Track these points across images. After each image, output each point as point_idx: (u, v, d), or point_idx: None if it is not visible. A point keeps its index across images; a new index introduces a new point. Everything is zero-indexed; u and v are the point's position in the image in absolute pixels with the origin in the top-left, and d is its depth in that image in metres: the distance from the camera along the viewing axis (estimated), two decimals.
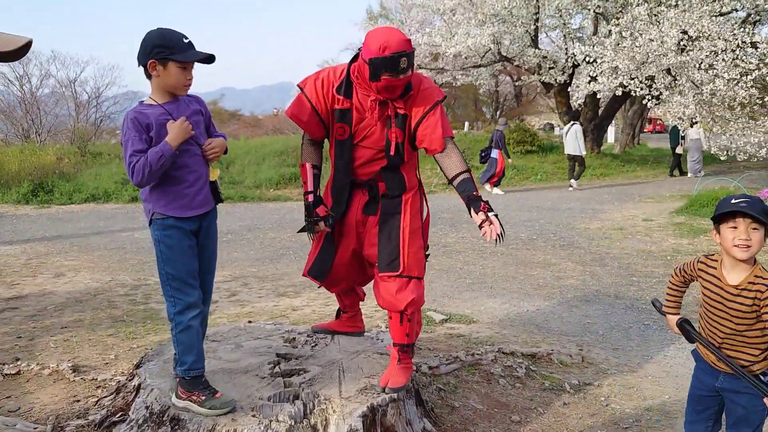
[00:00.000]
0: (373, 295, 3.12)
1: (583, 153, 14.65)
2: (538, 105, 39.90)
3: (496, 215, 2.80)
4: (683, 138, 17.25)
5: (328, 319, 4.05)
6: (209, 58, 2.57)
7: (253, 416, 2.53)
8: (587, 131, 19.43)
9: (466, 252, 7.74)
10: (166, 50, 2.47)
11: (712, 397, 2.48)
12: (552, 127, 36.41)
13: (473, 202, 2.82)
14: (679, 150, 17.38)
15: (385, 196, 3.03)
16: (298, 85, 3.07)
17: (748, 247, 2.22)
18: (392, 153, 2.96)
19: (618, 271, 6.78)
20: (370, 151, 2.98)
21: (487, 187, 14.06)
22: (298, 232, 3.19)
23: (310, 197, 2.99)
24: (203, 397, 2.57)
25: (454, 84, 23.06)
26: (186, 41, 2.52)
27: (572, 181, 14.61)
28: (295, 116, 3.03)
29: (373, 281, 3.11)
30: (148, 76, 2.53)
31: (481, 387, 3.73)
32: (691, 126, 15.61)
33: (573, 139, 14.40)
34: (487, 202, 2.83)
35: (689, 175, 17.03)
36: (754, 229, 2.22)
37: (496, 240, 2.73)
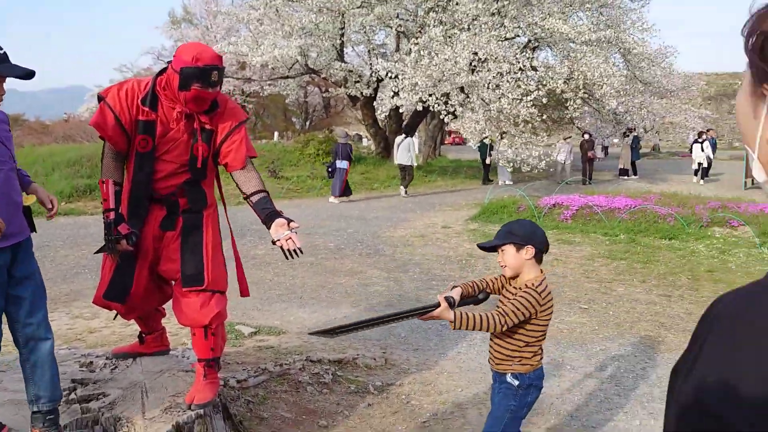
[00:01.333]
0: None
1: (414, 164, 15.64)
2: (346, 116, 40.97)
3: (295, 231, 2.89)
4: (491, 150, 18.67)
5: (130, 339, 3.88)
6: (29, 74, 2.40)
7: None
8: (392, 144, 20.39)
9: (276, 264, 7.77)
10: None
11: None
12: (361, 138, 37.58)
13: (274, 217, 2.89)
14: (488, 160, 18.82)
15: (186, 211, 3.00)
16: (99, 95, 2.95)
17: (504, 266, 2.65)
18: (198, 166, 2.96)
19: (419, 276, 7.22)
20: (173, 165, 2.95)
21: (333, 199, 14.35)
22: (96, 252, 3.03)
23: (112, 215, 2.86)
24: None
25: (261, 93, 23.00)
26: (0, 52, 2.33)
27: (402, 189, 15.40)
28: (99, 126, 2.92)
29: (172, 299, 3.05)
30: None
31: (290, 396, 3.80)
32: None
33: (405, 151, 15.24)
34: (288, 218, 2.92)
35: (500, 182, 18.58)
36: (502, 250, 2.64)
37: (294, 253, 2.82)
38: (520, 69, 14.73)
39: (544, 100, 15.20)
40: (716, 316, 0.68)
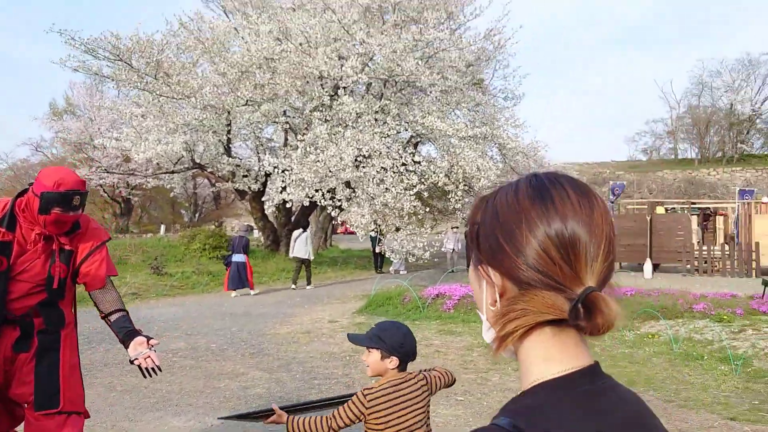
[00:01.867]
0: None
1: (311, 257, 16.05)
2: (237, 208, 40.69)
3: (154, 349, 2.91)
4: (380, 241, 19.08)
5: None
6: None
7: None
8: (281, 236, 20.41)
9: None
10: None
11: None
12: (252, 229, 37.26)
13: (133, 335, 2.90)
14: (378, 249, 19.16)
15: (42, 332, 2.93)
16: None
17: (368, 366, 2.77)
18: (55, 286, 2.94)
19: (302, 376, 7.15)
20: (28, 285, 2.92)
21: (234, 293, 14.32)
22: None
23: None
24: None
25: (146, 186, 22.57)
26: None
27: (294, 285, 15.70)
28: None
29: (24, 424, 2.92)
30: None
31: None
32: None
33: (302, 245, 15.61)
34: (147, 336, 2.93)
35: (391, 270, 18.87)
36: (369, 350, 2.75)
37: (152, 371, 2.82)
38: (403, 164, 15.42)
39: (426, 194, 15.91)
40: None
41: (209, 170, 18.83)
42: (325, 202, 15.52)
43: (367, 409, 2.68)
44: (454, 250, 20.26)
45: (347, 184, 15.43)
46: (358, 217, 15.00)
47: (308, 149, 14.92)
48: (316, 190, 15.13)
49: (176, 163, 18.58)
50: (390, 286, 13.92)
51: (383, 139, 15.42)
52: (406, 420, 2.75)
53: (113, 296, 3.05)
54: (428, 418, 2.85)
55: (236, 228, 15.68)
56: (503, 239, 0.87)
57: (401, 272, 18.77)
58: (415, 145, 19.24)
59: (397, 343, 2.78)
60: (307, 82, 15.68)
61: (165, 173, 19.52)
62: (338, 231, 40.99)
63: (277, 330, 9.95)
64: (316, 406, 2.95)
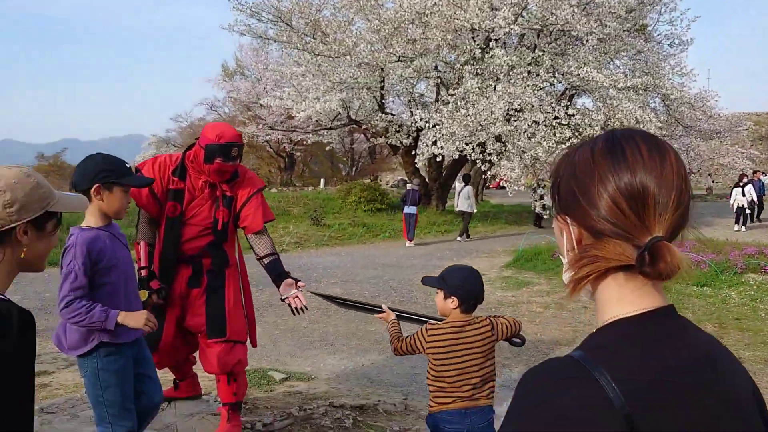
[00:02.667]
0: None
1: (474, 210, 16.51)
2: (391, 162, 41.59)
3: (301, 290, 3.28)
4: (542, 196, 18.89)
5: (167, 385, 4.25)
6: (150, 183, 2.88)
7: None
8: (432, 190, 20.75)
9: (312, 311, 8.10)
10: (112, 174, 2.54)
11: None
12: (405, 183, 38.01)
13: (284, 277, 3.28)
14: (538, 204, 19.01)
15: (210, 271, 3.38)
16: (136, 167, 3.40)
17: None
18: (219, 229, 3.36)
19: None
20: (197, 228, 3.35)
21: (409, 244, 15.29)
22: None
23: (144, 272, 3.27)
24: None
25: (306, 142, 23.78)
26: (127, 166, 2.67)
27: (459, 237, 16.30)
28: (134, 195, 3.34)
29: (198, 350, 3.42)
30: (87, 200, 2.49)
31: None
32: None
33: (465, 198, 16.08)
34: (295, 278, 3.31)
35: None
36: (437, 291, 2.94)
37: (299, 310, 3.20)
38: (556, 117, 15.00)
39: None
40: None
41: (364, 126, 19.48)
42: (475, 156, 15.55)
43: (426, 343, 2.86)
44: None
45: (498, 138, 15.32)
46: (508, 171, 14.91)
47: (459, 103, 14.96)
48: (467, 144, 15.18)
49: (333, 119, 19.41)
50: (540, 241, 13.79)
51: (536, 92, 15.06)
52: (463, 362, 2.86)
53: (267, 241, 3.45)
54: (491, 362, 2.94)
55: (413, 182, 16.41)
56: (579, 192, 0.97)
57: None
58: (570, 98, 18.55)
59: (456, 284, 2.90)
60: (459, 35, 15.61)
61: (323, 129, 20.47)
62: (490, 186, 40.67)
63: None
64: (414, 319, 3.21)
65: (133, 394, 2.62)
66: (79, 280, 2.39)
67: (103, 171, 2.53)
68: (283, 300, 3.27)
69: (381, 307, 3.22)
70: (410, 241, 15.40)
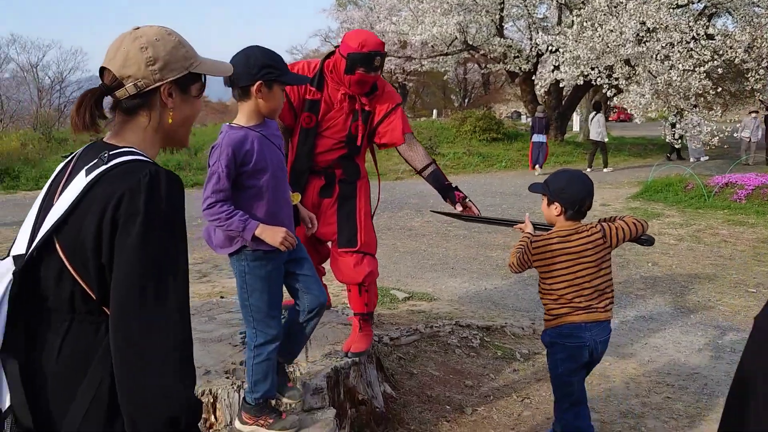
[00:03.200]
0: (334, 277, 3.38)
1: (605, 139, 15.95)
2: (505, 93, 40.35)
3: (470, 200, 3.16)
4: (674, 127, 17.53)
5: None
6: (309, 81, 2.80)
7: (227, 378, 2.78)
8: (551, 119, 19.88)
9: (430, 235, 8.03)
10: (275, 71, 2.33)
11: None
12: (519, 115, 36.91)
13: (448, 191, 3.17)
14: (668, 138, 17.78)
15: (342, 181, 3.28)
16: None
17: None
18: (359, 144, 3.24)
19: None
20: (331, 141, 3.24)
21: (538, 170, 15.17)
22: None
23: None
24: (271, 420, 2.55)
25: (420, 69, 23.32)
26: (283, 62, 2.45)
27: (589, 167, 15.72)
28: None
29: (330, 259, 3.37)
30: (243, 96, 2.35)
31: (438, 356, 4.02)
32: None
33: (596, 127, 15.66)
34: (458, 189, 3.18)
35: (691, 159, 17.47)
36: (542, 198, 2.79)
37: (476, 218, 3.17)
38: (693, 38, 13.71)
39: (720, 71, 14.07)
40: None
41: (481, 52, 18.77)
42: (602, 81, 14.60)
43: (532, 255, 2.68)
44: (750, 139, 17.55)
45: (627, 61, 14.26)
46: (637, 97, 13.90)
47: (585, 24, 13.98)
48: (592, 68, 14.26)
49: (449, 45, 18.82)
50: (669, 173, 12.93)
51: (671, 10, 13.78)
52: (574, 273, 2.65)
53: (419, 152, 3.30)
54: (606, 273, 2.70)
55: (537, 110, 15.92)
56: None
57: (701, 159, 17.12)
58: (709, 17, 16.90)
59: (558, 188, 2.68)
60: None
61: (439, 55, 19.92)
62: (609, 118, 38.62)
63: None
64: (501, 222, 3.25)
65: (280, 301, 2.50)
66: (221, 183, 2.27)
67: (266, 67, 2.31)
68: (458, 211, 3.20)
69: (514, 222, 3.03)
70: (540, 167, 15.19)
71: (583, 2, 15.42)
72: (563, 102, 20.04)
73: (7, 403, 1.31)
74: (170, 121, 1.46)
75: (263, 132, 2.38)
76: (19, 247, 1.37)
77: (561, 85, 16.69)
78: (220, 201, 2.29)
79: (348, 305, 3.57)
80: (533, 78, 18.01)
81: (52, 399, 1.34)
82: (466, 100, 41.21)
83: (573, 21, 14.49)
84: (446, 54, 19.49)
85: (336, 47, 3.17)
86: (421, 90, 40.33)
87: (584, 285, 2.65)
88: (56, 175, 1.44)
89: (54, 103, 30.64)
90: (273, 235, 2.34)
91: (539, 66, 18.25)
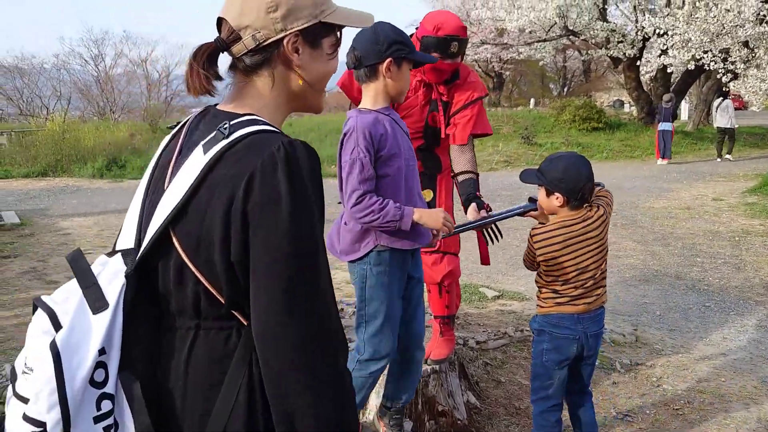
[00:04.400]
0: None
1: (735, 126, 15.14)
2: (607, 81, 38.61)
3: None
4: None
5: None
6: (434, 61, 2.46)
7: None
8: (657, 108, 18.74)
9: (524, 229, 7.61)
10: (405, 48, 2.12)
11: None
12: (622, 104, 35.20)
13: (475, 201, 2.80)
14: None
15: (422, 173, 3.00)
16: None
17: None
18: (444, 136, 2.97)
19: (681, 251, 6.57)
20: (408, 130, 2.98)
21: (662, 161, 14.55)
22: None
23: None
24: None
25: (517, 57, 22.61)
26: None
27: (724, 157, 15.00)
28: (344, 87, 3.05)
29: None
30: (370, 76, 2.14)
31: (529, 363, 3.71)
32: None
33: (724, 113, 14.89)
34: (487, 204, 2.81)
35: None
36: (539, 188, 2.48)
37: (492, 238, 2.74)
38: None
39: None
40: None
41: (582, 38, 17.92)
42: (716, 66, 13.56)
43: (537, 254, 2.40)
44: None
45: (745, 43, 13.16)
46: (756, 82, 12.81)
47: (698, 4, 13.00)
48: (705, 52, 13.26)
49: (548, 30, 18.08)
50: None
51: None
52: (581, 261, 2.39)
53: (468, 157, 2.93)
54: (606, 255, 2.48)
55: (664, 99, 15.15)
56: None
57: None
58: None
59: (556, 178, 2.36)
60: None
61: (537, 41, 19.20)
62: None
63: (651, 204, 9.31)
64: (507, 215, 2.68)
65: (398, 317, 2.24)
66: (366, 170, 2.03)
67: (395, 43, 2.08)
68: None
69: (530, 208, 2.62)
70: (666, 159, 14.51)
71: None
72: (671, 89, 18.84)
73: (131, 431, 1.09)
74: (300, 82, 1.20)
75: (391, 116, 2.17)
76: (126, 241, 1.16)
77: (669, 70, 15.66)
78: (369, 192, 2.06)
79: (428, 307, 3.34)
80: (638, 64, 17.02)
81: (183, 422, 1.12)
82: (566, 89, 39.80)
83: (684, 1, 13.52)
84: (545, 40, 18.76)
85: (416, 29, 2.92)
86: (518, 79, 39.29)
87: (588, 273, 2.42)
88: (163, 152, 1.21)
89: (162, 95, 32.09)
90: (434, 217, 2.13)
91: (645, 51, 17.22)
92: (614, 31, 17.03)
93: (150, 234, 1.09)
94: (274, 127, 1.14)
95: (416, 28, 2.92)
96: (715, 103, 15.48)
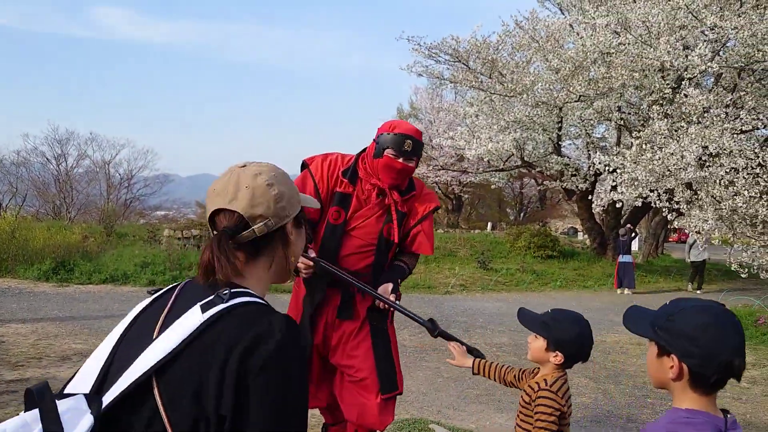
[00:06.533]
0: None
1: (707, 258, 16.95)
2: (562, 209, 40.08)
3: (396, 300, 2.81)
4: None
5: (314, 430, 3.93)
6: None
7: None
8: (609, 239, 19.36)
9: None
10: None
11: None
12: (576, 232, 36.33)
13: (394, 284, 2.82)
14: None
15: (372, 308, 2.91)
16: (304, 161, 3.03)
17: (529, 350, 2.52)
18: (384, 248, 2.92)
19: (632, 391, 6.56)
20: (359, 242, 2.90)
21: (627, 291, 15.54)
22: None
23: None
24: None
25: (475, 181, 23.40)
26: None
27: (694, 291, 16.42)
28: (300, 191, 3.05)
29: (342, 387, 2.95)
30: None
31: None
32: None
33: (698, 248, 16.52)
34: (399, 294, 2.82)
35: None
36: (536, 336, 2.47)
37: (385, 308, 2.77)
38: (760, 164, 13.31)
39: None
40: None
41: (538, 169, 18.72)
42: (661, 204, 14.20)
43: (562, 405, 2.34)
44: None
45: (688, 185, 13.89)
46: (699, 222, 13.40)
47: (644, 146, 13.78)
48: (651, 191, 13.91)
49: (506, 161, 18.87)
50: (735, 303, 12.18)
51: (735, 135, 13.49)
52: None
53: (412, 258, 3.01)
54: None
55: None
56: None
57: None
58: None
59: (569, 340, 2.40)
60: (646, 75, 14.48)
61: (494, 170, 19.96)
62: (670, 239, 37.61)
63: (603, 337, 9.38)
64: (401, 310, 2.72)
65: None
66: None
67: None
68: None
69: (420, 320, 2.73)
70: (629, 288, 15.47)
71: (642, 124, 15.34)
72: (621, 222, 19.59)
73: None
74: (292, 258, 1.41)
75: None
76: (81, 385, 1.21)
77: (618, 205, 16.35)
78: None
79: None
80: (590, 197, 17.76)
81: None
82: (522, 214, 41.01)
83: (632, 143, 14.34)
84: (502, 170, 19.52)
85: (374, 140, 2.95)
86: (476, 202, 40.43)
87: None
88: (147, 309, 1.31)
89: (121, 198, 31.91)
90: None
91: (597, 185, 18.01)
92: (568, 165, 17.87)
93: (125, 380, 1.13)
94: (264, 300, 1.29)
95: (374, 140, 2.94)
96: (689, 240, 16.90)
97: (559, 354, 2.38)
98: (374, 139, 2.88)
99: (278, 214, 1.33)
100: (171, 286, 1.38)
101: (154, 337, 1.19)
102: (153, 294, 1.36)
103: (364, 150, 3.00)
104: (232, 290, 1.24)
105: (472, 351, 2.77)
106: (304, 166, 3.00)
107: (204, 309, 1.19)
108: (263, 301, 1.28)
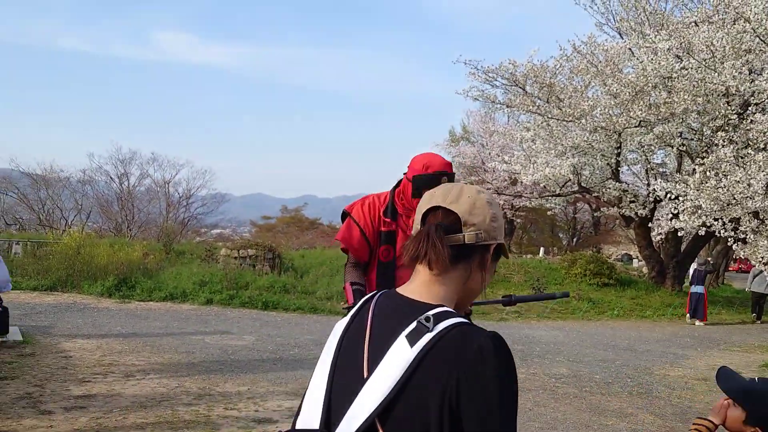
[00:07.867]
0: None
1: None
2: (616, 235, 39.14)
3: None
4: None
5: None
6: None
7: None
8: (668, 268, 18.81)
9: (536, 390, 7.42)
10: None
11: None
12: (630, 258, 35.43)
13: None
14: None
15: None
16: (345, 210, 3.16)
17: (724, 417, 2.34)
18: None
19: None
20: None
21: (698, 323, 15.11)
22: None
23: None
24: None
25: (529, 205, 23.12)
26: None
27: (756, 321, 16.17)
28: (345, 240, 3.10)
29: None
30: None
31: None
32: None
33: (763, 281, 16.03)
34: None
35: None
36: (731, 403, 2.30)
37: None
38: None
39: None
40: None
41: (595, 194, 18.39)
42: (726, 233, 13.74)
43: None
44: None
45: (755, 214, 13.41)
46: (765, 252, 12.90)
47: (708, 173, 13.39)
48: (716, 219, 13.49)
49: (563, 186, 18.61)
50: None
51: None
52: None
53: None
54: None
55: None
56: None
57: None
58: None
59: None
60: (709, 101, 14.12)
61: (551, 195, 19.70)
62: (730, 268, 36.27)
63: (666, 371, 9.07)
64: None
65: None
66: None
67: None
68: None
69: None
70: (700, 320, 15.04)
71: (705, 151, 14.93)
72: (682, 250, 19.03)
73: None
74: (484, 284, 1.39)
75: None
76: (310, 420, 1.26)
77: (679, 233, 15.88)
78: None
79: None
80: (649, 224, 17.32)
81: None
82: (575, 239, 40.26)
83: (695, 169, 13.96)
84: (559, 195, 19.24)
85: (405, 173, 3.03)
86: (528, 226, 39.90)
87: None
88: (347, 333, 1.33)
89: (180, 216, 32.70)
90: None
91: (656, 212, 17.57)
92: (626, 191, 17.50)
93: (354, 421, 1.16)
94: (462, 316, 1.26)
95: (405, 173, 3.03)
96: (754, 270, 16.40)
97: (759, 430, 2.22)
98: (407, 178, 2.96)
99: (489, 231, 1.34)
100: (363, 300, 1.38)
101: (365, 374, 1.20)
102: (347, 312, 1.38)
103: (398, 185, 3.09)
104: (433, 313, 1.22)
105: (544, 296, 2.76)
106: (345, 215, 3.14)
107: (411, 341, 1.18)
108: (465, 320, 1.25)
